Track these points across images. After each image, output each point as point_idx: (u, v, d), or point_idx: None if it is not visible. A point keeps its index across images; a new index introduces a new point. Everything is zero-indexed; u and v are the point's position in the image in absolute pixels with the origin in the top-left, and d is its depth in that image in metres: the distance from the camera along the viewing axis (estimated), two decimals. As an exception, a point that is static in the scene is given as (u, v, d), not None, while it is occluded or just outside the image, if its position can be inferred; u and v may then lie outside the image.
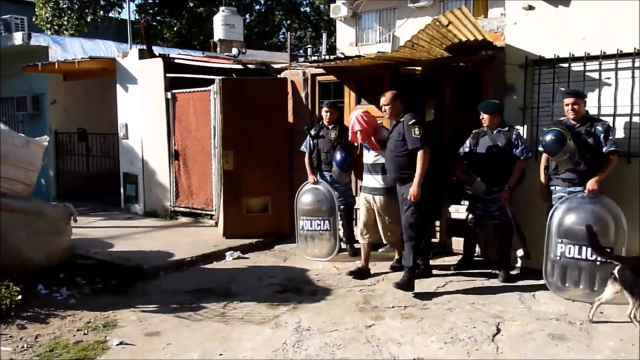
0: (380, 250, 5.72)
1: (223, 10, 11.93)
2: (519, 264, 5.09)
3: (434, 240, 5.86)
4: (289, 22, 23.07)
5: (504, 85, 5.29)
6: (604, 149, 4.41)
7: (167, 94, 7.64)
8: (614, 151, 4.41)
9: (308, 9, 23.52)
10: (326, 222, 5.61)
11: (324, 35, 13.63)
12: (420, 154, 4.54)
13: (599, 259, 4.19)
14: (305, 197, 5.76)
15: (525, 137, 5.10)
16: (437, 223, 5.93)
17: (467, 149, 5.12)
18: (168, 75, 7.62)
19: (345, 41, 15.25)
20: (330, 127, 5.77)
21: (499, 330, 3.85)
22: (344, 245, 5.85)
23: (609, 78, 4.77)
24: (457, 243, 5.71)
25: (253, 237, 6.35)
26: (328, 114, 5.76)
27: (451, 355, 3.49)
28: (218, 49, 11.45)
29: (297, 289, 4.83)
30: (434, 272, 5.11)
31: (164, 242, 6.33)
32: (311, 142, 5.85)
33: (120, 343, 3.71)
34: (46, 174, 9.55)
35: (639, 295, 3.67)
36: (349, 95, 6.54)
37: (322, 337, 3.77)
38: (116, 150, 8.82)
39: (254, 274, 5.29)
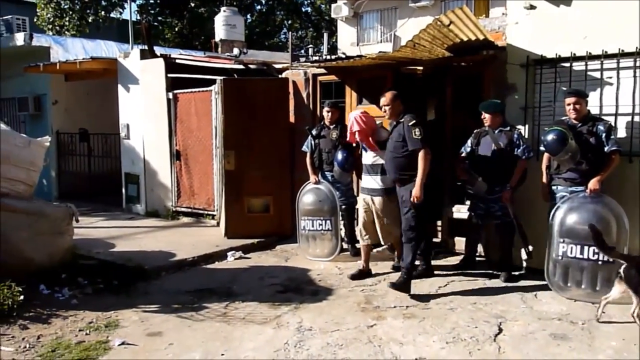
0: (375, 250, 5.60)
1: (224, 11, 11.91)
2: (523, 265, 5.07)
3: (435, 240, 5.84)
4: (290, 22, 23.04)
5: (505, 85, 5.29)
6: (606, 149, 4.41)
7: (168, 94, 7.65)
8: (616, 151, 4.40)
9: (309, 9, 23.49)
10: (328, 222, 5.61)
11: (325, 35, 13.64)
12: (421, 155, 4.50)
13: (600, 258, 4.19)
14: (307, 197, 5.75)
15: (526, 136, 5.09)
16: (439, 223, 5.92)
17: (468, 149, 5.11)
18: (169, 75, 7.63)
19: (347, 41, 15.21)
20: (331, 127, 5.77)
21: (500, 330, 3.84)
22: (345, 245, 5.85)
23: (610, 77, 4.77)
24: (459, 243, 5.72)
25: (255, 237, 6.35)
26: (329, 113, 5.76)
27: (453, 355, 3.49)
28: (219, 49, 11.43)
29: (299, 289, 4.83)
30: (436, 272, 5.11)
31: (166, 242, 6.34)
32: (312, 142, 5.85)
33: (122, 343, 3.71)
34: (48, 175, 9.55)
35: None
36: (350, 95, 6.53)
37: (324, 337, 3.77)
38: (118, 151, 8.83)
39: (256, 274, 5.29)
